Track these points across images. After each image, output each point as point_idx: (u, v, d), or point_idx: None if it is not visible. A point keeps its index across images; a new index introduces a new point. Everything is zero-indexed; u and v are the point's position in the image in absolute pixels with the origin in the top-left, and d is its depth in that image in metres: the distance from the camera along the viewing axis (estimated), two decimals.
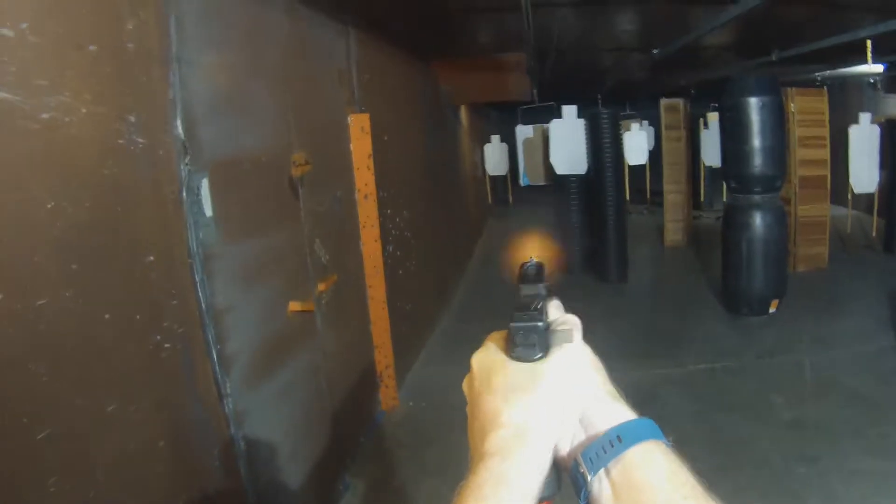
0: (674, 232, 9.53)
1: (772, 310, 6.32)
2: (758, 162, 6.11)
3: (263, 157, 2.94)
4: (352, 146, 4.11)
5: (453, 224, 7.99)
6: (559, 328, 0.69)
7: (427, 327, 6.10)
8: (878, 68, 9.18)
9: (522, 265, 0.77)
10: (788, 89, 7.54)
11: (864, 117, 8.50)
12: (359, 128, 4.14)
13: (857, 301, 6.68)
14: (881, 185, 8.63)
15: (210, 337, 2.40)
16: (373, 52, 4.60)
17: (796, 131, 7.57)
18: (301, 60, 3.45)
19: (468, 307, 7.24)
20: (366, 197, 4.19)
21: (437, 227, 6.80)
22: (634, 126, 12.12)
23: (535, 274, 0.75)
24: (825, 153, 7.73)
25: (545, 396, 0.64)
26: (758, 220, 6.22)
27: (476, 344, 0.76)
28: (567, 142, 7.89)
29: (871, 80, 9.54)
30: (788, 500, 3.46)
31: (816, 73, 8.81)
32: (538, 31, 4.57)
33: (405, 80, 5.79)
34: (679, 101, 9.26)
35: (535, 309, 0.67)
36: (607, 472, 0.62)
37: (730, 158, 6.31)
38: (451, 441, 4.12)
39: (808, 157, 7.65)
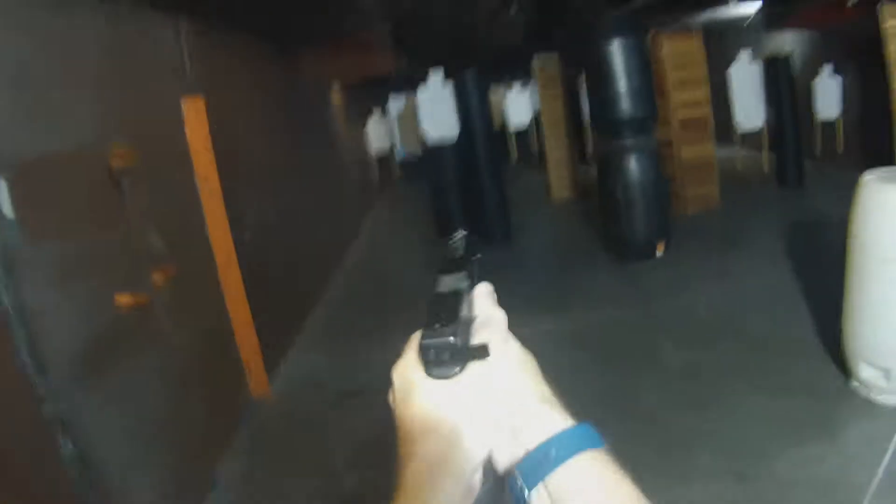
0: (560, 188, 9.44)
1: (658, 253, 6.20)
2: (624, 105, 5.98)
3: (78, 154, 2.87)
4: (188, 133, 3.99)
5: (332, 206, 7.80)
6: (478, 334, 0.63)
7: (303, 313, 5.89)
8: (751, 8, 9.23)
9: (447, 241, 0.71)
10: (659, 34, 7.45)
11: (744, 54, 8.50)
12: (193, 114, 4.01)
13: (747, 237, 6.60)
14: (768, 121, 8.62)
15: (20, 339, 2.29)
16: (214, 43, 4.59)
17: (671, 74, 7.48)
18: (121, 56, 3.45)
19: (352, 291, 6.97)
20: (209, 185, 4.05)
21: (310, 211, 6.63)
22: (515, 87, 11.95)
23: (458, 258, 0.70)
24: (703, 93, 7.66)
25: (462, 420, 0.59)
26: (632, 163, 6.10)
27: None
28: (436, 108, 7.65)
29: (746, 23, 9.56)
30: (677, 451, 3.25)
31: (695, 19, 8.77)
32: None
33: (260, 68, 5.74)
34: (553, 57, 9.11)
35: (452, 312, 0.60)
36: (545, 486, 0.58)
37: (596, 105, 6.16)
38: (325, 429, 3.99)
39: (685, 98, 7.57)
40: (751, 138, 9.28)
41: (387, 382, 0.64)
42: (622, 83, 5.94)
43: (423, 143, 8.11)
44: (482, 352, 0.60)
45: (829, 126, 9.07)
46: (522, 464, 0.59)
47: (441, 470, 0.58)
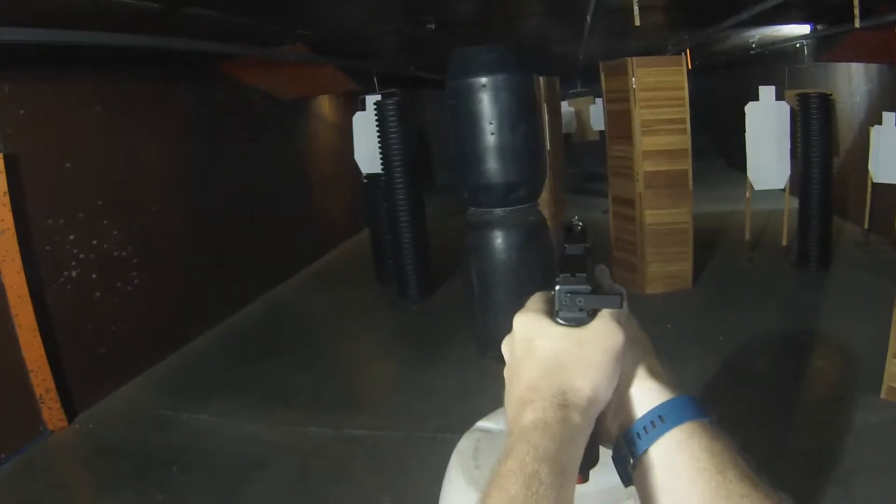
0: None
1: None
2: (490, 166, 4.51)
3: None
4: None
5: (246, 238, 6.81)
6: (605, 293, 0.64)
7: (151, 353, 5.42)
8: (804, 28, 7.21)
9: (566, 224, 0.75)
10: (630, 60, 5.79)
11: (765, 92, 6.55)
12: None
13: (692, 346, 4.94)
14: (795, 179, 6.66)
15: None
16: (36, 90, 4.51)
17: (638, 113, 5.81)
18: None
19: (246, 337, 6.00)
20: (2, 232, 4.15)
21: (200, 244, 6.11)
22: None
23: (579, 234, 0.72)
24: (684, 140, 5.92)
25: (588, 366, 0.60)
26: (498, 242, 4.63)
27: None
28: (368, 136, 6.44)
29: (798, 45, 7.47)
30: None
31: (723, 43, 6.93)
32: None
33: (128, 100, 5.36)
34: (540, 79, 7.51)
35: (582, 270, 0.63)
36: (650, 453, 0.60)
37: (456, 160, 4.72)
38: (123, 464, 3.93)
39: (657, 146, 5.88)
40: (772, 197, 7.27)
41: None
42: (485, 136, 4.47)
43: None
44: (616, 301, 0.62)
45: (887, 190, 6.86)
46: (629, 430, 0.62)
47: (564, 412, 0.58)
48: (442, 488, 1.60)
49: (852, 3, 5.31)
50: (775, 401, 4.09)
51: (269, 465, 3.80)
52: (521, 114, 4.50)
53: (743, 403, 4.00)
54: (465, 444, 1.66)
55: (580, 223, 0.75)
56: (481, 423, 1.77)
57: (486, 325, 4.86)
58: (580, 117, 11.14)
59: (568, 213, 8.16)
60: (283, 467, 3.78)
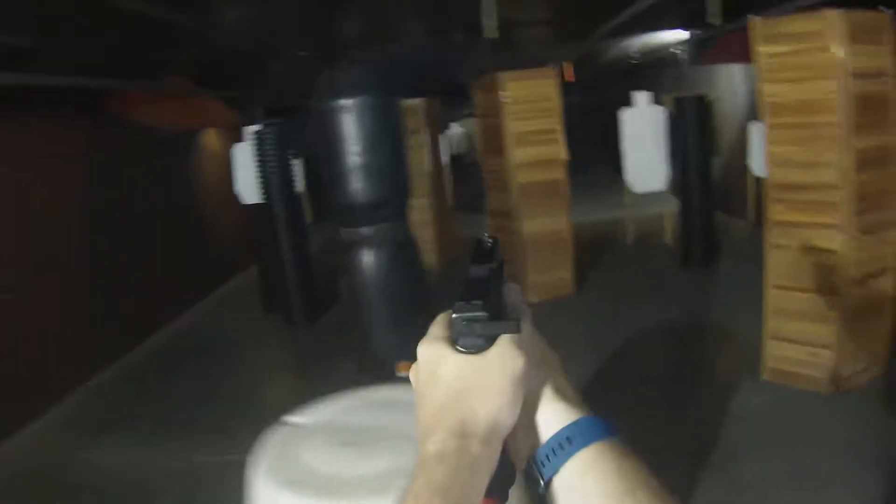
0: (423, 253, 7.84)
1: (400, 374, 4.74)
2: (353, 186, 4.55)
3: None
4: None
5: (140, 273, 6.67)
6: (505, 317, 0.64)
7: (44, 394, 5.21)
8: (681, 35, 7.41)
9: (478, 242, 0.72)
10: (500, 74, 5.89)
11: (640, 97, 6.73)
12: None
13: (574, 347, 5.00)
14: (675, 182, 6.82)
15: None
16: None
17: (510, 126, 5.91)
18: None
19: (140, 371, 5.89)
20: None
21: (95, 280, 5.95)
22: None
23: (488, 253, 0.69)
24: (558, 150, 6.03)
25: (489, 393, 0.59)
26: (365, 260, 4.66)
27: None
28: (249, 166, 6.43)
29: (677, 51, 7.68)
30: None
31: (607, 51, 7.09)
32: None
33: None
34: (420, 102, 7.60)
35: (484, 293, 0.62)
36: (561, 475, 0.60)
37: (324, 181, 4.76)
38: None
39: (530, 157, 5.98)
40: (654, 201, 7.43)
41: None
42: (348, 157, 4.52)
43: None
44: (513, 326, 0.61)
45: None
46: (539, 453, 0.62)
47: (463, 443, 0.58)
48: (245, 480, 1.59)
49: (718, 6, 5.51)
50: (660, 391, 4.23)
51: (159, 494, 3.83)
52: (384, 134, 4.56)
53: (628, 396, 4.10)
54: (269, 438, 1.69)
55: (490, 239, 0.73)
56: (288, 418, 1.79)
57: (361, 341, 4.90)
58: (472, 138, 11.33)
59: (454, 231, 8.30)
60: (170, 495, 3.81)
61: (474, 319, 0.60)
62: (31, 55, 4.21)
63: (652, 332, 5.25)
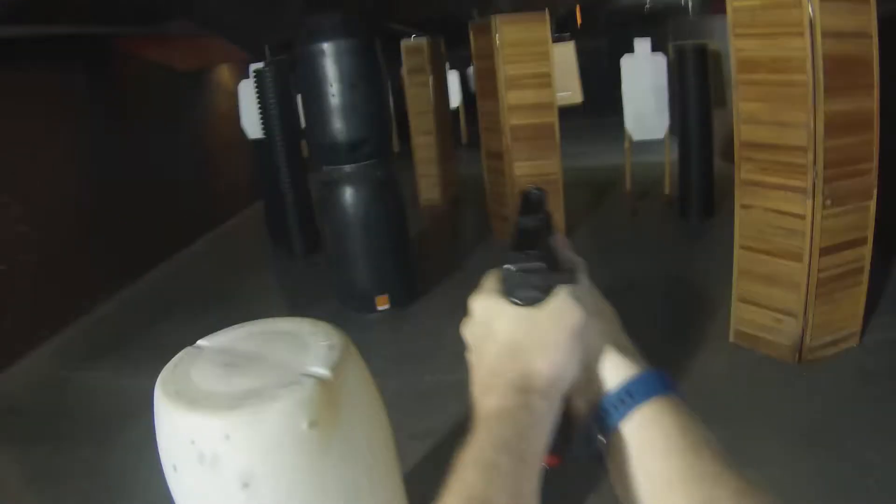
0: (427, 189, 8.02)
1: (380, 307, 4.99)
2: (335, 126, 4.74)
3: None
4: None
5: (149, 208, 6.92)
6: (560, 268, 0.62)
7: (54, 323, 5.44)
8: None
9: (523, 192, 0.69)
10: (493, 18, 5.91)
11: (640, 45, 6.69)
12: None
13: None
14: (674, 131, 6.82)
15: None
16: None
17: (503, 69, 5.96)
18: None
19: (147, 300, 6.11)
20: None
21: (102, 215, 6.16)
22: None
23: (536, 203, 0.67)
24: (550, 94, 6.08)
25: (547, 346, 0.58)
26: (346, 197, 4.87)
27: None
28: (252, 103, 6.59)
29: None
30: None
31: None
32: None
33: None
34: (423, 41, 7.64)
35: (536, 245, 0.60)
36: (621, 430, 0.58)
37: (307, 121, 4.95)
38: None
39: (523, 100, 6.04)
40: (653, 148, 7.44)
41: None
42: (329, 98, 4.68)
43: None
44: (571, 277, 0.61)
45: None
46: (601, 404, 0.59)
47: (526, 395, 0.56)
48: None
49: None
50: None
51: (146, 410, 4.11)
52: (362, 76, 4.70)
53: None
54: (177, 357, 1.82)
55: (538, 190, 0.70)
56: (200, 342, 1.91)
57: (341, 278, 5.14)
58: None
59: (458, 170, 8.39)
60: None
61: (531, 270, 0.58)
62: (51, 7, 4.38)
63: (631, 283, 5.25)
